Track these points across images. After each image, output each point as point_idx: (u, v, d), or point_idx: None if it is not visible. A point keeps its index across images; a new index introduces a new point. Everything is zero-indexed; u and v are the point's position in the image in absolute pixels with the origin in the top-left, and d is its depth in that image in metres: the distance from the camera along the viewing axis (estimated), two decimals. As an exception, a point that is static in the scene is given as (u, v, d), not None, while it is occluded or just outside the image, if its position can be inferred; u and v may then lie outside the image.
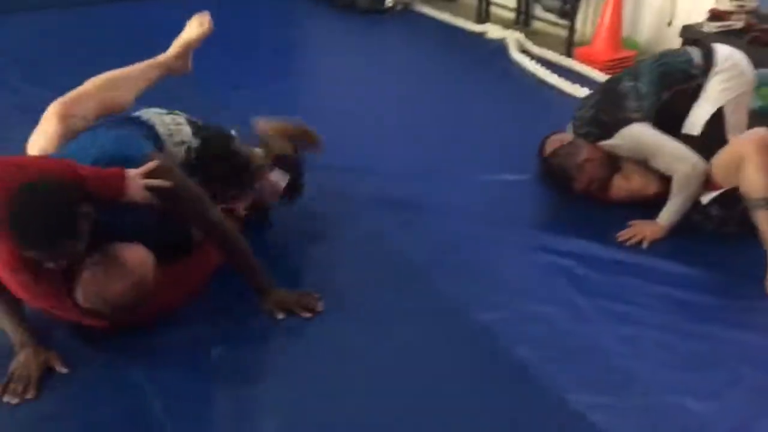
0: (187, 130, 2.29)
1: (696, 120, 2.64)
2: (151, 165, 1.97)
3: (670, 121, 2.66)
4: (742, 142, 2.43)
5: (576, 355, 2.07)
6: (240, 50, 4.54)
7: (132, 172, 1.94)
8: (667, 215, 2.61)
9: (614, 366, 2.03)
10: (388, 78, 4.28)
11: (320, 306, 2.23)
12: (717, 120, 2.62)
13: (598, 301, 2.29)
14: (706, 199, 2.57)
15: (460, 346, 2.13)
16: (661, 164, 2.61)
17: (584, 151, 2.71)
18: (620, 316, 2.23)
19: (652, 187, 2.67)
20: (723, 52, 2.70)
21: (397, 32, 5.28)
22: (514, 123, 3.59)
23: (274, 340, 2.15)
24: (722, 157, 2.50)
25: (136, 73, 2.47)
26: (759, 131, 2.41)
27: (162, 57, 2.62)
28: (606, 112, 2.71)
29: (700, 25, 3.69)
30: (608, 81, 2.97)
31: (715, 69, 2.64)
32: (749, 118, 2.74)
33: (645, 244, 2.57)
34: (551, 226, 2.72)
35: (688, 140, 2.62)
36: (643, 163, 2.68)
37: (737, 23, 3.57)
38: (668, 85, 2.67)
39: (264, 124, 2.71)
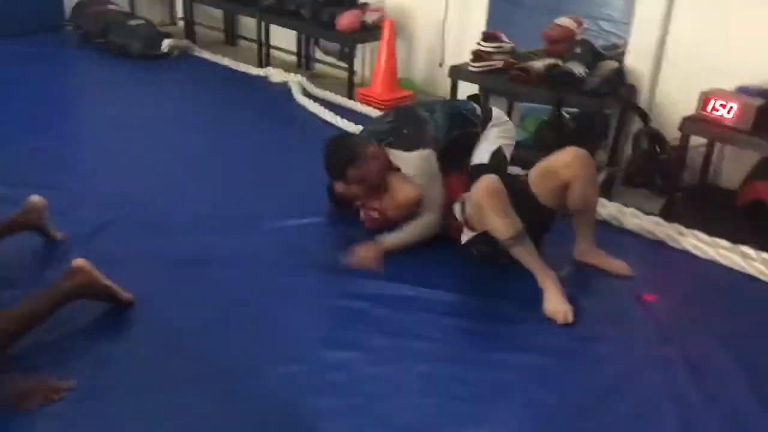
0: None
1: (482, 154, 2.88)
2: None
3: (452, 158, 2.85)
4: (474, 191, 2.54)
5: (377, 399, 2.05)
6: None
7: None
8: (391, 242, 2.76)
9: (414, 405, 2.04)
10: (169, 127, 4.09)
11: (70, 383, 2.00)
12: (497, 156, 2.87)
13: (395, 341, 2.30)
14: (464, 238, 2.71)
15: (260, 403, 2.02)
16: (423, 199, 2.77)
17: (375, 147, 2.80)
18: (417, 354, 2.25)
19: (413, 192, 2.75)
20: (496, 112, 3.04)
21: (176, 78, 5.10)
22: (300, 165, 3.57)
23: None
24: (468, 206, 2.64)
25: None
26: (487, 178, 2.54)
27: None
28: (408, 128, 2.85)
29: (465, 65, 3.95)
30: (402, 108, 3.14)
31: (492, 122, 2.95)
32: (514, 152, 3.01)
33: (379, 267, 2.66)
34: (345, 269, 2.69)
35: (476, 169, 2.81)
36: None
37: (498, 63, 3.86)
38: (458, 124, 2.88)
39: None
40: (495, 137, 2.91)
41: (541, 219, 2.70)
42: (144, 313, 2.37)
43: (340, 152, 2.82)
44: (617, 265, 2.76)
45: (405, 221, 2.81)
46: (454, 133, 2.86)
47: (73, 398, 1.97)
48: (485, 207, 2.48)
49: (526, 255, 2.53)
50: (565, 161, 2.61)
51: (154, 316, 2.36)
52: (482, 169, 2.79)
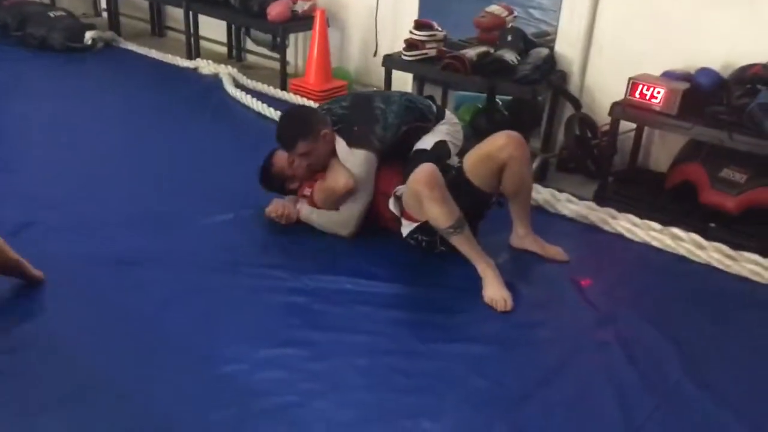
0: None
1: (425, 142, 2.84)
2: None
3: (399, 151, 2.82)
4: (413, 180, 2.51)
5: (316, 396, 2.01)
6: None
7: None
8: (304, 215, 2.85)
9: (353, 400, 2.00)
10: (95, 123, 3.94)
11: None
12: (441, 145, 2.83)
13: (333, 335, 2.27)
14: (405, 231, 2.68)
15: (196, 405, 1.95)
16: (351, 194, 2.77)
17: (330, 129, 2.77)
18: (355, 347, 2.21)
19: (344, 181, 2.72)
20: (449, 114, 3.04)
21: (101, 72, 4.92)
22: (233, 159, 3.50)
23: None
24: (406, 196, 2.62)
25: None
26: (425, 167, 2.51)
27: None
28: (358, 122, 2.79)
29: (399, 54, 3.92)
30: (360, 95, 3.13)
31: (443, 120, 2.93)
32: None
33: (287, 211, 2.84)
34: (280, 264, 2.64)
35: (418, 155, 2.78)
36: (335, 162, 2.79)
37: (431, 52, 3.84)
38: (409, 120, 2.84)
39: None
40: (442, 132, 2.89)
41: (477, 205, 2.70)
42: (69, 317, 2.26)
43: (297, 122, 2.79)
44: (553, 251, 2.78)
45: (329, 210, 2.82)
46: (402, 129, 2.82)
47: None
48: (424, 196, 2.45)
49: (465, 243, 2.52)
50: (499, 144, 2.61)
51: (80, 320, 2.25)
52: (423, 155, 2.76)
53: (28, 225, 2.74)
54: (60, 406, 1.91)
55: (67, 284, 2.39)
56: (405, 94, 3.06)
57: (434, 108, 2.97)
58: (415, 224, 2.62)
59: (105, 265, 2.54)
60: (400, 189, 2.66)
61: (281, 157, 2.88)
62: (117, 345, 2.17)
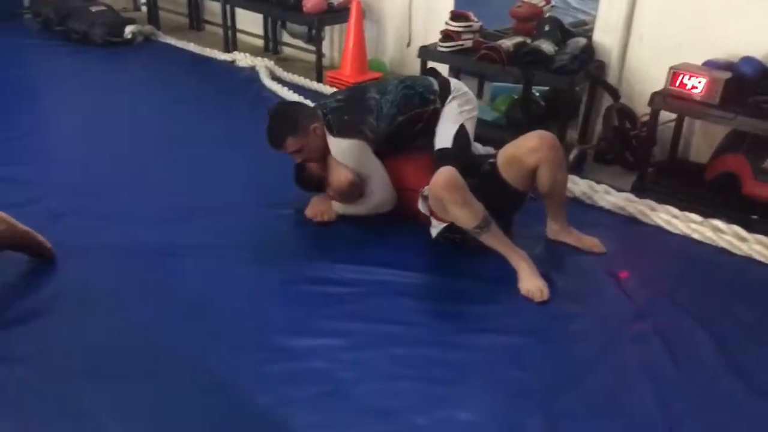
0: None
1: (445, 136, 2.82)
2: None
3: (398, 139, 2.84)
4: (433, 185, 2.49)
5: (352, 385, 2.03)
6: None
7: None
8: (342, 209, 2.86)
9: (389, 389, 2.02)
10: (134, 115, 4.01)
11: None
12: (460, 136, 2.81)
13: (371, 326, 2.28)
14: (434, 231, 2.64)
15: (231, 395, 1.98)
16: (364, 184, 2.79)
17: (319, 122, 2.77)
18: (393, 338, 2.23)
19: (345, 176, 2.73)
20: (455, 83, 2.97)
21: (142, 65, 5.01)
22: (268, 152, 3.51)
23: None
24: (430, 199, 2.58)
25: None
26: (444, 171, 2.48)
27: None
28: (349, 113, 2.79)
29: (434, 45, 3.91)
30: (356, 87, 3.13)
31: (451, 96, 2.87)
32: (486, 131, 2.96)
33: (325, 217, 2.85)
34: (317, 255, 2.67)
35: (441, 154, 2.77)
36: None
37: (467, 42, 3.83)
38: (407, 110, 2.82)
39: None
40: (456, 114, 2.84)
41: (511, 202, 2.69)
42: (103, 305, 2.32)
43: (283, 121, 2.79)
44: (590, 243, 2.76)
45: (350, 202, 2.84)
46: (398, 119, 2.80)
47: (23, 388, 1.95)
48: (445, 201, 2.44)
49: (494, 240, 2.51)
50: (532, 146, 2.58)
51: (114, 308, 2.31)
52: (447, 155, 2.75)
53: (65, 214, 2.81)
54: (111, 382, 1.97)
55: (103, 275, 2.44)
56: (403, 80, 2.97)
57: (435, 86, 2.89)
58: (444, 224, 2.62)
59: (140, 256, 2.59)
60: (426, 190, 2.65)
61: None
62: (153, 335, 2.20)
